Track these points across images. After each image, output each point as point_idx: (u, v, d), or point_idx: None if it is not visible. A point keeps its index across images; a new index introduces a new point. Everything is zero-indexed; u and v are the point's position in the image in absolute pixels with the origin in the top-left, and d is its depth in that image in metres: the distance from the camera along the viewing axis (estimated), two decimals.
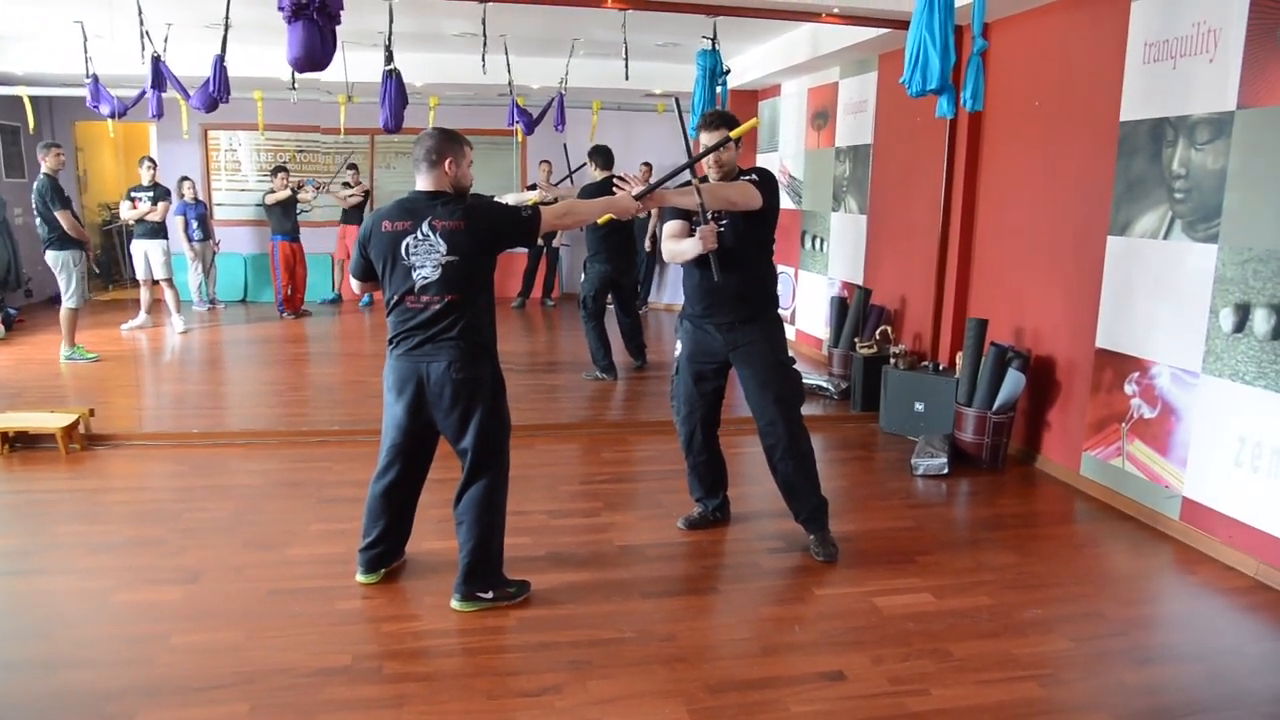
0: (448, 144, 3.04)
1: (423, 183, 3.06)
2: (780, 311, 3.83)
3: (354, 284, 3.27)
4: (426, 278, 2.99)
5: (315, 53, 3.37)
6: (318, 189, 9.68)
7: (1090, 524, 4.21)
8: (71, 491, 4.38)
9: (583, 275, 6.96)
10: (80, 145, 10.50)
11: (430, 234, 2.98)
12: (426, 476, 3.36)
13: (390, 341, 3.11)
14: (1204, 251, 3.80)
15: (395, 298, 3.06)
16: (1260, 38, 3.53)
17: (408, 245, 2.99)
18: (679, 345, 3.84)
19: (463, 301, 3.01)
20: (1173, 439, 4.00)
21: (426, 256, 2.98)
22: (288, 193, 9.18)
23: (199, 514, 4.03)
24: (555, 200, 7.90)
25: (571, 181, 8.91)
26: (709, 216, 3.46)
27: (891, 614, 3.22)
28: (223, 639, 2.95)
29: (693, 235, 3.55)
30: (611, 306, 6.93)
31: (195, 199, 9.32)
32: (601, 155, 6.71)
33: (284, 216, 9.25)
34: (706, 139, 3.55)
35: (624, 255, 6.77)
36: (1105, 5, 4.37)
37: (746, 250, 3.58)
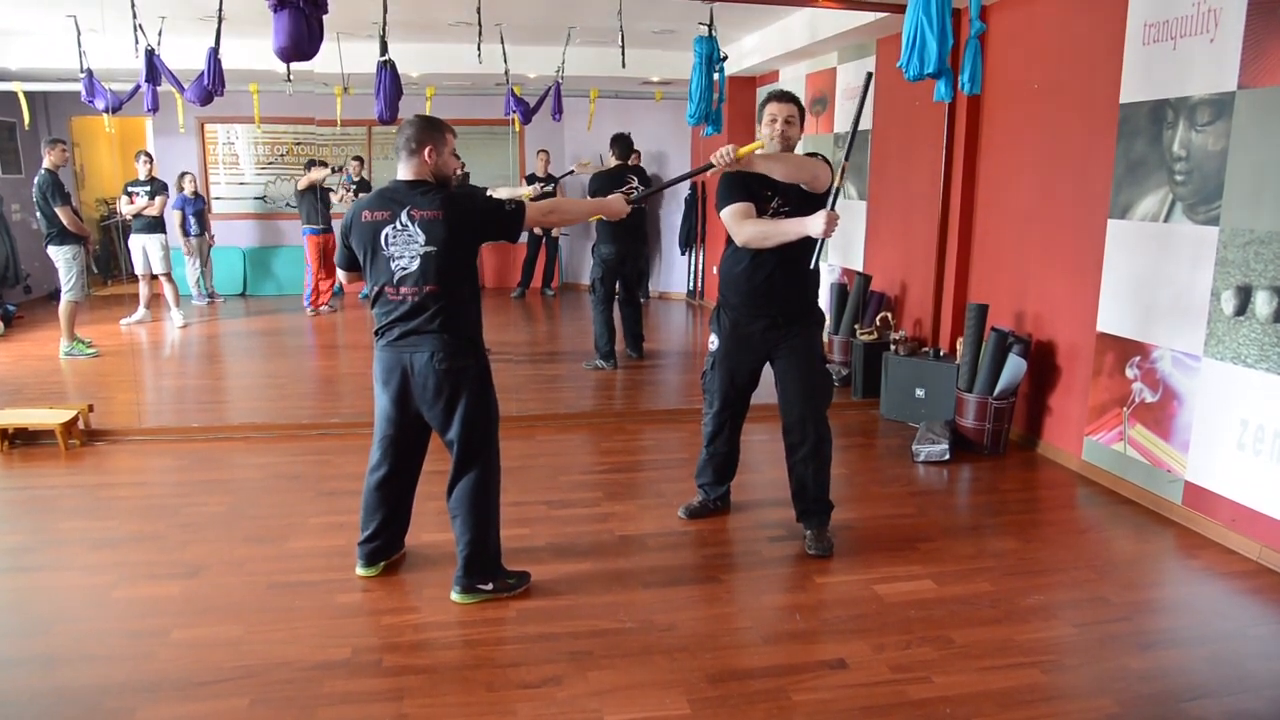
0: (427, 132, 3.00)
1: (403, 171, 3.03)
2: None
3: (340, 275, 3.26)
4: (405, 269, 2.96)
5: (302, 42, 3.34)
6: (347, 189, 9.35)
7: (1092, 509, 4.19)
8: (71, 487, 4.38)
9: (590, 261, 7.00)
10: (77, 141, 10.46)
11: (409, 224, 2.95)
12: (422, 468, 3.35)
13: (376, 333, 3.10)
14: (1205, 234, 3.78)
15: (376, 289, 3.04)
16: (1261, 17, 3.49)
17: (386, 235, 2.97)
18: (714, 339, 3.69)
19: (443, 293, 2.97)
20: (1175, 423, 3.98)
21: (405, 247, 2.95)
22: (325, 171, 8.94)
23: (199, 508, 4.03)
24: (549, 195, 7.91)
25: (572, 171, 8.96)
26: (832, 203, 3.28)
27: (893, 601, 3.21)
28: (223, 633, 2.95)
29: (761, 216, 3.41)
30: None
31: (195, 193, 9.29)
32: (620, 144, 6.73)
33: (321, 205, 8.99)
34: (777, 109, 3.44)
35: (629, 241, 6.74)
36: None
37: (802, 241, 3.36)
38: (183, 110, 7.57)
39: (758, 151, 3.29)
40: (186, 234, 9.18)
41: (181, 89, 5.91)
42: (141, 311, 8.42)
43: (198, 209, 9.31)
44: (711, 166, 3.22)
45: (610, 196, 3.39)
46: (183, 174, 9.26)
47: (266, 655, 2.81)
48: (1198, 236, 3.82)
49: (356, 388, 6.21)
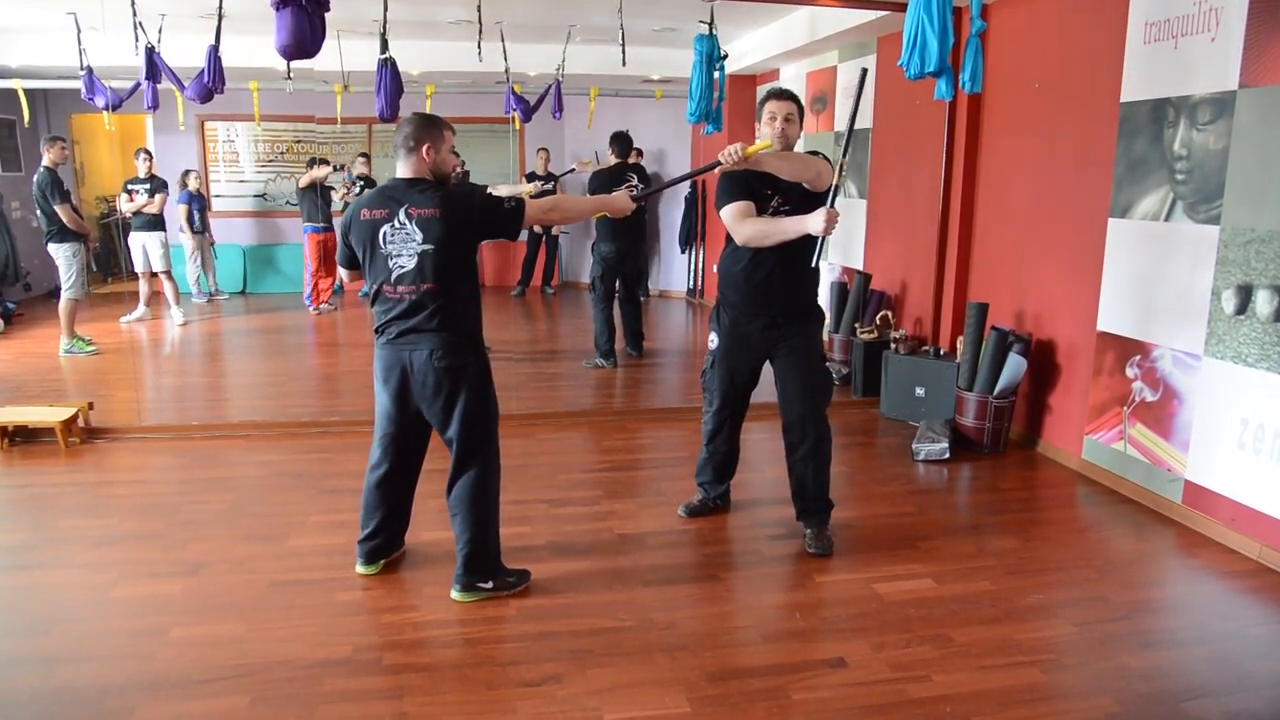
0: (425, 129, 2.99)
1: (402, 169, 3.03)
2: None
3: (342, 273, 3.26)
4: (403, 267, 2.95)
5: (304, 40, 3.34)
6: (348, 187, 9.32)
7: (1092, 508, 4.19)
8: (71, 485, 4.38)
9: (590, 259, 7.00)
10: (77, 138, 10.45)
11: (407, 222, 2.94)
12: (422, 466, 3.34)
13: (376, 331, 3.10)
14: (1206, 233, 3.77)
15: (375, 287, 3.04)
16: (1262, 16, 3.49)
17: (385, 234, 2.96)
18: (714, 338, 3.68)
19: (441, 291, 2.96)
20: (1175, 422, 3.98)
21: (403, 245, 2.95)
22: (327, 170, 8.88)
23: (199, 506, 4.03)
24: (549, 193, 7.91)
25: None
26: (832, 200, 3.25)
27: (893, 600, 3.21)
28: (223, 631, 2.95)
29: (761, 215, 3.39)
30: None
31: (198, 191, 9.31)
32: (620, 142, 6.74)
33: (322, 203, 8.94)
34: (776, 107, 3.43)
35: (629, 239, 6.74)
36: None
37: (802, 239, 3.33)
38: (183, 108, 7.58)
39: (763, 151, 3.28)
40: (194, 230, 9.19)
41: (181, 86, 5.90)
42: (141, 309, 8.42)
43: (201, 206, 9.32)
44: (718, 164, 3.21)
45: (615, 193, 3.38)
46: (187, 171, 9.30)
47: (267, 653, 2.81)
48: (1198, 235, 3.81)
49: (357, 386, 6.21)
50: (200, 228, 9.33)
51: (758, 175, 3.37)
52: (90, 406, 5.10)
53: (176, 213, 9.08)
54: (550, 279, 10.50)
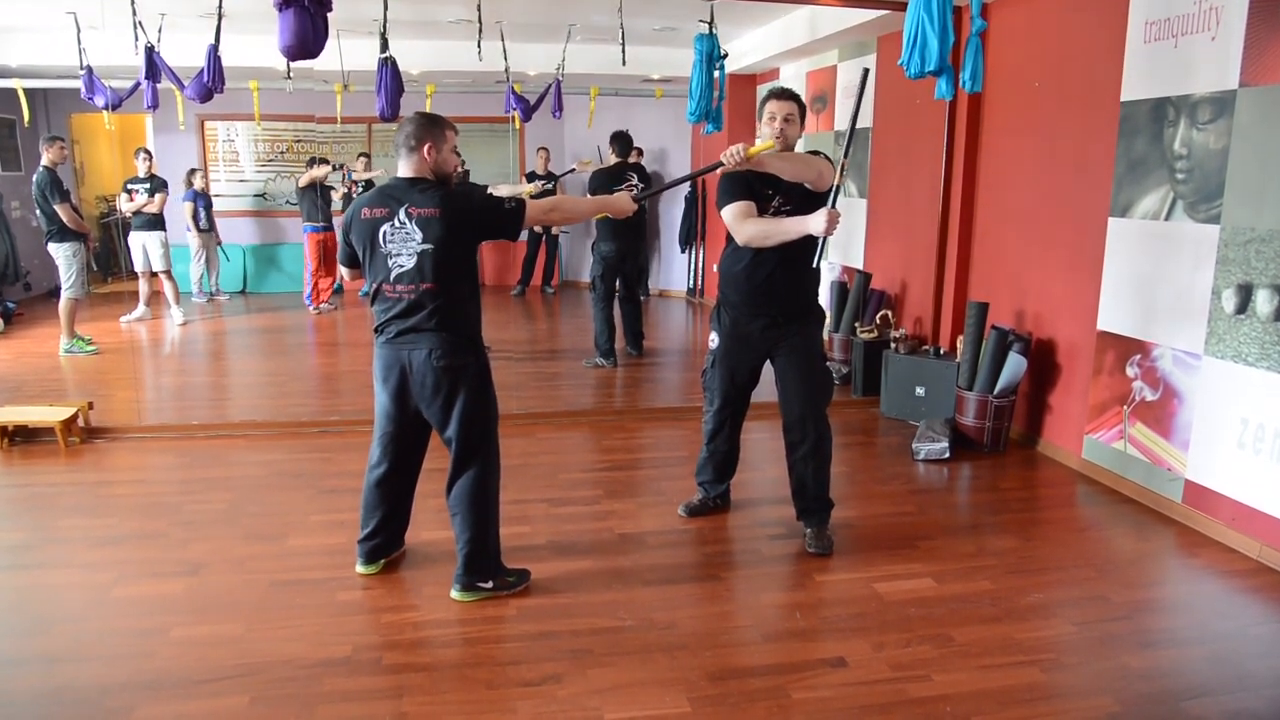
0: (427, 129, 2.99)
1: (403, 169, 3.03)
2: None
3: (343, 271, 3.26)
4: (403, 266, 2.95)
5: (307, 40, 3.34)
6: (349, 186, 9.34)
7: (1092, 507, 4.19)
8: (71, 485, 4.38)
9: (590, 258, 7.01)
10: (76, 138, 10.45)
11: (407, 222, 2.94)
12: (421, 465, 3.34)
13: (376, 330, 3.10)
14: (1206, 232, 3.77)
15: (375, 286, 3.05)
16: (1262, 15, 3.49)
17: (385, 233, 2.96)
18: (715, 337, 3.68)
19: (440, 290, 2.96)
20: (1175, 421, 3.98)
21: (403, 245, 2.95)
22: (326, 169, 8.89)
23: (199, 506, 4.03)
24: (550, 192, 7.91)
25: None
26: (834, 201, 3.24)
27: (893, 600, 3.21)
28: (224, 631, 2.95)
29: (762, 215, 3.39)
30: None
31: (203, 190, 9.32)
32: (620, 141, 6.75)
33: (322, 203, 8.94)
34: (777, 107, 3.41)
35: (629, 238, 6.74)
36: None
37: (803, 240, 3.33)
38: (183, 107, 7.58)
39: (766, 151, 3.27)
40: (200, 229, 9.20)
41: (181, 86, 5.90)
42: (141, 309, 8.42)
43: (207, 204, 9.34)
44: (720, 165, 3.21)
45: (616, 194, 3.38)
46: (193, 170, 9.34)
47: (267, 653, 2.81)
48: (1199, 235, 3.81)
49: (357, 385, 6.21)
50: (207, 226, 9.34)
51: (759, 175, 3.36)
52: (90, 406, 5.10)
53: (181, 211, 9.10)
54: (550, 279, 10.50)
